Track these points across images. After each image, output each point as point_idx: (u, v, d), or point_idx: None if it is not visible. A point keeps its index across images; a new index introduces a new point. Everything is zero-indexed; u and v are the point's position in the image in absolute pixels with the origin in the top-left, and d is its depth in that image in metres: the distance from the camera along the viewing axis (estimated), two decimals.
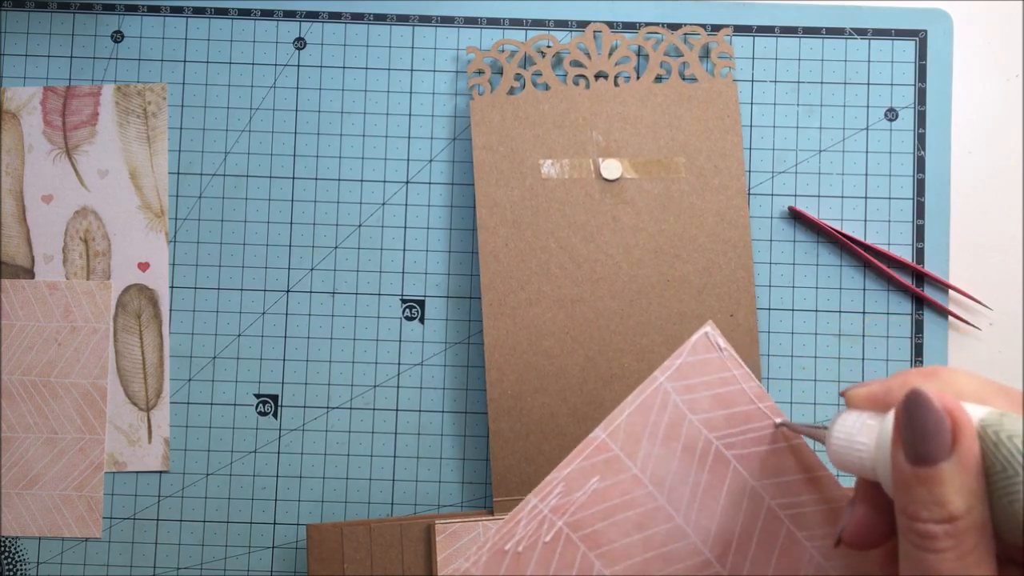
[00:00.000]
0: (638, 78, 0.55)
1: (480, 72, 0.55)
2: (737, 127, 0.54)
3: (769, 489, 0.34)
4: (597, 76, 0.55)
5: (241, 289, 0.55)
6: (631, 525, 0.34)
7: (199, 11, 0.56)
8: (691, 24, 0.56)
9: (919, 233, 0.55)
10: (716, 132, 0.54)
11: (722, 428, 0.34)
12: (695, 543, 0.34)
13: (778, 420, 0.34)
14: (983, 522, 0.24)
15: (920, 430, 0.24)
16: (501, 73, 0.55)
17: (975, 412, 0.25)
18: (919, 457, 0.24)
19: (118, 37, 0.56)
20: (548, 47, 0.55)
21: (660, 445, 0.34)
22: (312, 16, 0.56)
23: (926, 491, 0.24)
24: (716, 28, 0.56)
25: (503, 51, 0.55)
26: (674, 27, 0.56)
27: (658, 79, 0.55)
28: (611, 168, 0.53)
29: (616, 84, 0.55)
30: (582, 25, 0.56)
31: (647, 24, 0.56)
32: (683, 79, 0.55)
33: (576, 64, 0.55)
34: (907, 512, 0.25)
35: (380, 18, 0.56)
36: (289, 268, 0.55)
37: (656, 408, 0.34)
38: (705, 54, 0.56)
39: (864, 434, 0.28)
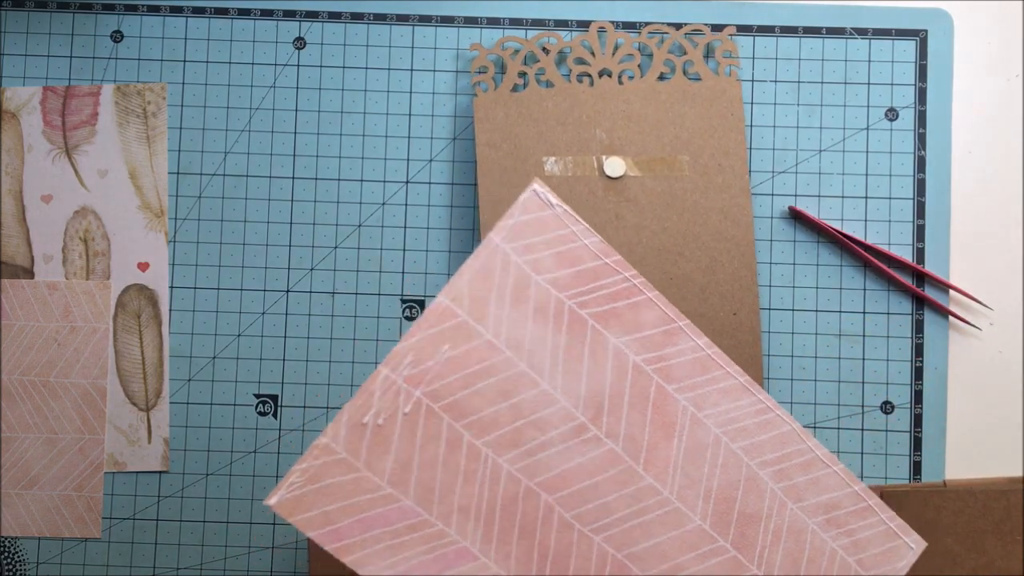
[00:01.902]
0: (642, 76, 0.54)
1: (484, 69, 0.55)
2: (741, 125, 0.53)
3: (631, 345, 0.34)
4: (601, 74, 0.55)
5: (241, 289, 0.55)
6: (495, 393, 0.33)
7: (199, 11, 0.56)
8: (692, 24, 0.55)
9: (919, 233, 0.55)
10: (720, 130, 0.54)
11: (572, 287, 0.33)
12: (566, 407, 0.33)
13: None
14: None
15: None
16: (505, 70, 0.55)
17: None
18: None
19: (118, 37, 0.56)
20: (552, 44, 0.55)
21: (510, 308, 0.33)
22: (312, 16, 0.56)
23: None
24: (717, 28, 0.55)
25: (507, 48, 0.55)
26: (676, 27, 0.55)
27: (662, 77, 0.54)
28: (614, 166, 0.53)
29: (620, 82, 0.54)
30: (582, 25, 0.55)
31: (648, 24, 0.55)
32: (687, 77, 0.55)
33: (580, 62, 0.55)
34: None
35: (380, 18, 0.56)
36: (289, 268, 0.55)
37: (498, 271, 0.33)
38: (709, 52, 0.55)
39: None
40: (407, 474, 0.32)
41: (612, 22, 0.55)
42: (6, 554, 0.54)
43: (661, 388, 0.34)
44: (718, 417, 0.34)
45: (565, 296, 0.33)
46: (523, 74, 0.54)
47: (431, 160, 0.55)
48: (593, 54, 0.54)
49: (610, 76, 0.54)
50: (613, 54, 0.54)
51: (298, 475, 0.31)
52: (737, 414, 0.34)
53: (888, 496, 0.49)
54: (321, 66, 0.55)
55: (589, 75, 0.54)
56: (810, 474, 0.34)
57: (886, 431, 0.54)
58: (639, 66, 0.54)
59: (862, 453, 0.54)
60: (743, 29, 0.55)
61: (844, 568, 0.35)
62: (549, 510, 0.33)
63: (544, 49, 0.54)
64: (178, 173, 0.55)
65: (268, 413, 0.54)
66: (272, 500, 0.30)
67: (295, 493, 0.31)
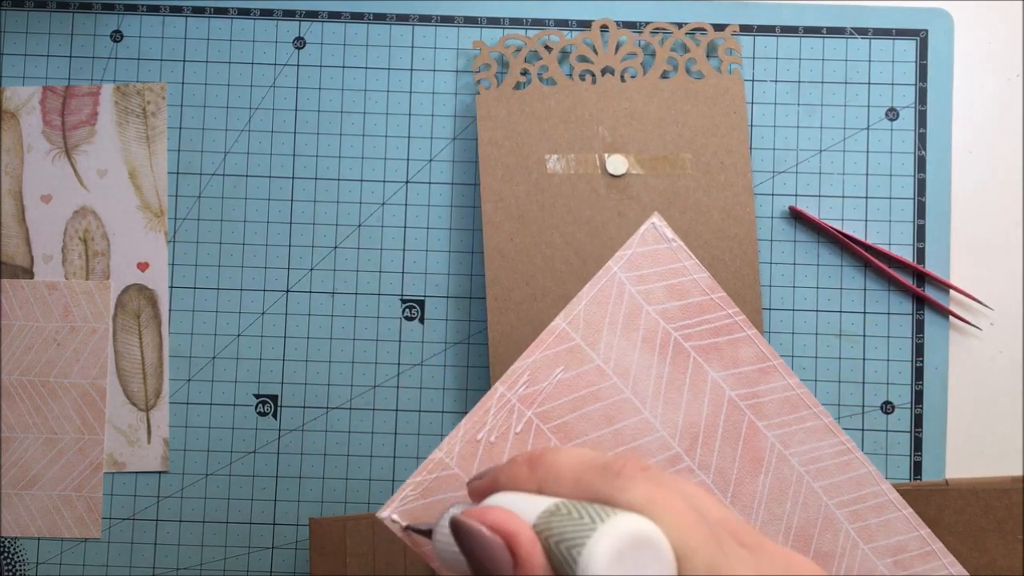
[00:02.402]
0: (644, 74, 0.54)
1: (486, 67, 0.55)
2: (743, 123, 0.53)
3: (728, 380, 0.34)
4: (603, 71, 0.54)
5: (240, 289, 0.55)
6: (600, 417, 0.33)
7: (198, 10, 0.56)
8: (694, 22, 0.55)
9: (920, 233, 0.55)
10: (722, 128, 0.53)
11: (678, 319, 0.34)
12: (664, 436, 0.34)
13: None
14: None
15: (476, 558, 0.23)
16: (507, 68, 0.55)
17: (533, 510, 0.24)
18: None
19: (117, 37, 0.56)
20: (555, 42, 0.55)
21: (620, 335, 0.34)
22: (312, 15, 0.56)
23: None
24: (718, 28, 0.55)
25: (509, 46, 0.54)
26: (678, 26, 0.55)
27: (664, 75, 0.54)
28: (617, 164, 0.53)
29: (622, 80, 0.54)
30: (583, 25, 0.55)
31: (647, 24, 0.55)
32: (689, 75, 0.54)
33: (582, 59, 0.54)
34: None
35: (380, 17, 0.56)
36: (288, 268, 0.55)
37: (613, 298, 0.34)
38: (711, 51, 0.55)
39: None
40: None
41: (615, 22, 0.55)
42: (6, 554, 0.54)
43: (752, 424, 0.34)
44: (802, 456, 0.35)
45: (672, 328, 0.34)
46: (526, 72, 0.54)
47: (431, 160, 0.55)
48: (596, 52, 0.54)
49: (612, 74, 0.54)
50: (615, 52, 0.54)
51: (412, 488, 0.31)
52: (819, 454, 0.35)
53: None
54: (321, 66, 0.55)
55: (592, 73, 0.54)
56: (882, 516, 0.35)
57: (886, 431, 0.53)
58: (642, 64, 0.54)
59: (862, 453, 0.53)
60: (743, 29, 0.55)
61: None
62: None
63: (547, 47, 0.54)
64: (178, 173, 0.55)
65: (268, 413, 0.54)
66: (385, 512, 0.31)
67: (408, 506, 0.31)
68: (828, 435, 0.35)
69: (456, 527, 0.24)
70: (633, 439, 0.34)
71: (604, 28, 0.54)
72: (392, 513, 0.31)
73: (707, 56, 0.54)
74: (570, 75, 0.54)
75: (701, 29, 0.54)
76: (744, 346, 0.34)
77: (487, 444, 0.33)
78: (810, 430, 0.35)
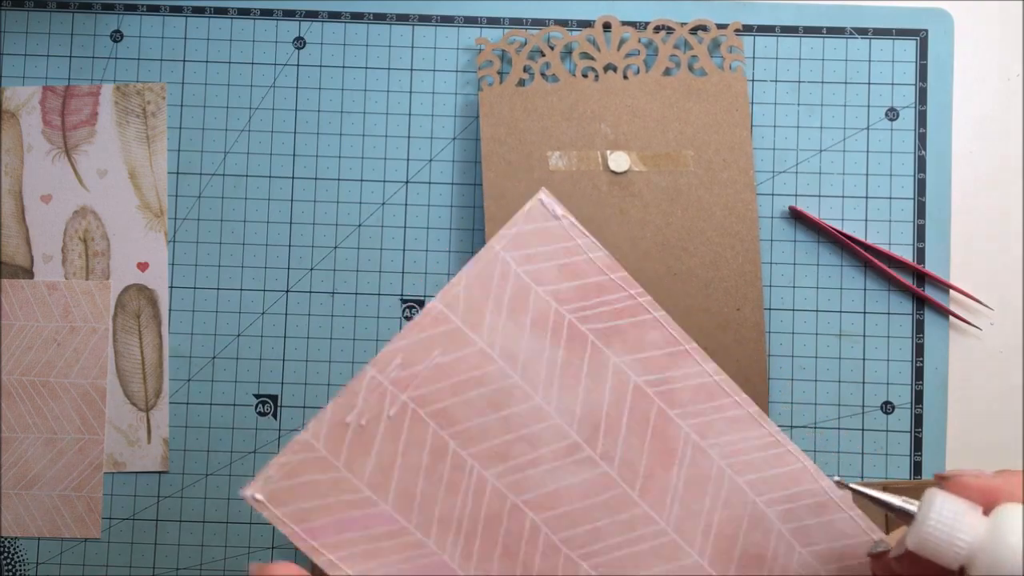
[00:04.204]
0: (647, 71, 0.54)
1: (489, 63, 0.54)
2: (746, 121, 0.53)
3: (633, 366, 0.32)
4: (606, 68, 0.54)
5: (240, 289, 0.54)
6: (485, 403, 0.31)
7: (198, 10, 0.55)
8: (697, 19, 0.55)
9: (920, 233, 0.54)
10: (725, 126, 0.53)
11: (574, 300, 0.31)
12: (560, 424, 0.31)
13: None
14: None
15: None
16: (510, 65, 0.54)
17: None
18: None
19: (117, 37, 0.55)
20: (558, 39, 0.54)
21: (506, 318, 0.31)
22: (312, 15, 0.55)
23: None
24: (720, 26, 0.55)
25: (512, 43, 0.54)
26: (680, 24, 0.55)
27: (667, 72, 0.54)
28: (619, 161, 0.52)
29: (625, 77, 0.54)
30: (583, 25, 0.55)
31: (647, 24, 0.55)
32: (692, 72, 0.54)
33: (585, 56, 0.54)
34: None
35: (380, 17, 0.55)
36: (288, 268, 0.54)
37: (496, 278, 0.31)
38: (714, 48, 0.55)
39: (967, 532, 0.25)
40: (387, 479, 0.30)
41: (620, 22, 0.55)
42: (5, 554, 0.53)
43: (663, 413, 0.32)
44: (723, 448, 0.32)
45: (566, 310, 0.32)
46: (528, 68, 0.54)
47: (431, 160, 0.54)
48: (598, 49, 0.54)
49: (615, 71, 0.54)
50: (618, 49, 0.54)
51: (276, 469, 0.29)
52: (744, 446, 0.32)
53: (890, 491, 0.48)
54: (321, 66, 0.55)
55: (594, 70, 0.54)
56: (823, 517, 0.32)
57: (886, 431, 0.53)
58: (644, 61, 0.54)
59: (862, 453, 0.53)
60: (744, 29, 0.55)
61: None
62: (535, 530, 0.31)
63: (550, 44, 0.54)
64: (178, 173, 0.55)
65: (268, 413, 0.54)
66: (247, 492, 0.29)
67: (271, 487, 0.29)
68: (753, 426, 0.32)
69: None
70: (524, 426, 0.31)
71: (607, 25, 0.54)
72: (255, 492, 0.29)
73: (710, 54, 0.54)
74: (573, 72, 0.54)
75: (704, 27, 0.54)
76: (651, 329, 0.32)
77: (357, 427, 0.30)
78: (731, 419, 0.32)
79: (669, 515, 0.32)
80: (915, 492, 0.49)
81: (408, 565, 0.30)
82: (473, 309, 0.31)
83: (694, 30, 0.54)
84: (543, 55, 0.54)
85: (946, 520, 0.25)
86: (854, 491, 0.29)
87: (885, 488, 0.30)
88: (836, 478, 0.31)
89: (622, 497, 0.32)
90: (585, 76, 0.53)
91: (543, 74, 0.53)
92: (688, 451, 0.32)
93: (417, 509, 0.30)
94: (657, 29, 0.54)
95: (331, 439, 0.30)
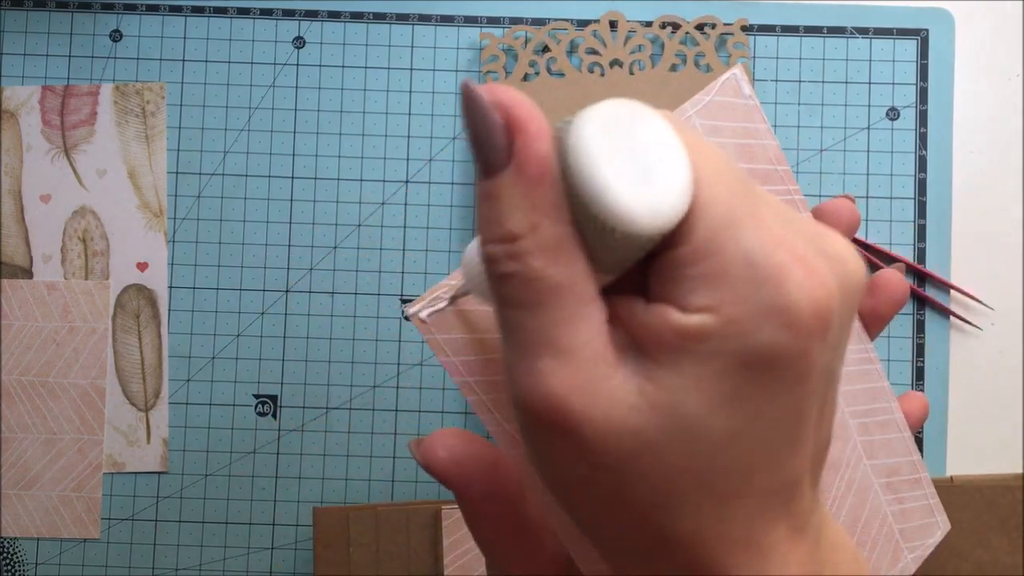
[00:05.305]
0: (653, 67, 0.53)
1: (495, 58, 0.54)
2: None
3: None
4: (612, 64, 0.53)
5: (240, 289, 0.54)
6: None
7: (198, 10, 0.55)
8: (704, 15, 0.54)
9: (921, 233, 0.54)
10: None
11: None
12: None
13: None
14: (558, 241, 0.18)
15: (474, 135, 0.19)
16: (516, 60, 0.54)
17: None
18: (481, 168, 0.19)
19: (116, 36, 0.55)
20: (564, 35, 0.54)
21: None
22: (311, 15, 0.55)
23: (488, 208, 0.19)
24: (725, 25, 0.54)
25: (518, 38, 0.54)
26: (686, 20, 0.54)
27: (673, 68, 0.53)
28: None
29: (631, 73, 0.53)
30: (583, 24, 0.55)
31: (651, 22, 0.55)
32: (698, 69, 0.54)
33: (591, 52, 0.53)
34: (479, 237, 0.19)
35: (379, 17, 0.55)
36: (288, 268, 0.54)
37: None
38: (720, 44, 0.55)
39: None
40: None
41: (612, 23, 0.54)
42: (5, 555, 0.53)
43: None
44: None
45: None
46: (534, 64, 0.53)
47: (431, 159, 0.54)
48: (604, 45, 0.54)
49: (621, 66, 0.53)
50: (624, 44, 0.54)
51: (445, 290, 0.27)
52: (847, 357, 0.31)
53: None
54: (320, 65, 0.55)
55: (600, 65, 0.53)
56: (886, 435, 0.32)
57: None
58: (650, 57, 0.53)
59: None
60: (744, 29, 0.54)
61: (890, 536, 0.33)
62: None
63: (555, 39, 0.54)
64: (177, 173, 0.54)
65: (267, 414, 0.53)
66: (412, 309, 0.26)
67: (437, 307, 0.27)
68: (856, 340, 0.31)
69: (463, 91, 0.19)
70: None
71: (613, 21, 0.54)
72: (420, 311, 0.27)
73: (716, 50, 0.54)
74: (579, 68, 0.54)
75: (711, 23, 0.54)
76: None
77: None
78: None
79: None
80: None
81: None
82: None
83: (700, 26, 0.53)
84: (548, 50, 0.53)
85: (472, 250, 0.23)
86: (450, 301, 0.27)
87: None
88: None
89: None
90: (591, 72, 0.53)
91: (548, 69, 0.53)
92: None
93: None
94: (663, 25, 0.53)
95: None
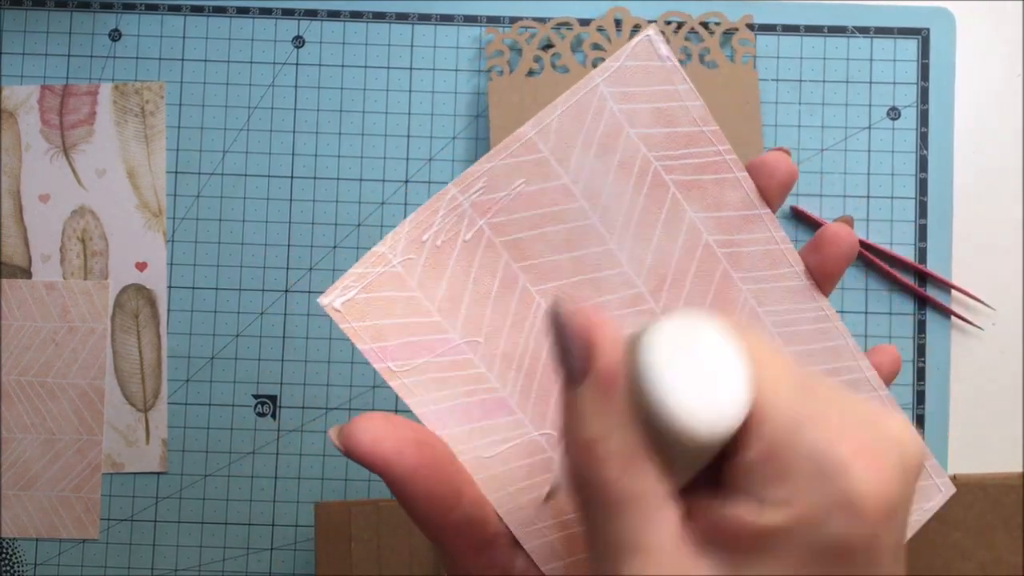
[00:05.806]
0: None
1: (499, 53, 0.54)
2: (757, 114, 0.52)
3: (707, 223, 0.30)
4: None
5: (239, 289, 0.54)
6: (560, 240, 0.30)
7: (197, 9, 0.55)
8: (709, 11, 0.54)
9: (921, 232, 0.54)
10: (736, 119, 0.52)
11: (662, 147, 0.30)
12: (627, 273, 0.30)
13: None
14: (631, 450, 0.20)
15: (560, 352, 0.22)
16: (520, 56, 0.54)
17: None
18: (565, 381, 0.22)
19: (116, 36, 0.55)
20: (568, 30, 0.54)
21: (594, 156, 0.30)
22: (311, 14, 0.55)
23: (568, 416, 0.21)
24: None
25: (522, 33, 0.53)
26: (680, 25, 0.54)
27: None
28: None
29: None
30: (583, 24, 0.55)
31: (651, 21, 0.54)
32: (703, 64, 0.54)
33: (596, 47, 0.53)
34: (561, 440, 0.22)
35: (379, 16, 0.55)
36: (287, 268, 0.54)
37: (592, 113, 0.30)
38: (725, 41, 0.54)
39: None
40: (457, 306, 0.29)
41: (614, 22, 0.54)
42: (4, 555, 0.53)
43: (727, 274, 0.30)
44: (777, 316, 0.31)
45: (654, 156, 0.30)
46: (539, 59, 0.53)
47: (431, 159, 0.54)
48: (609, 40, 0.53)
49: None
50: (629, 40, 0.53)
51: (354, 279, 0.27)
52: (796, 317, 0.31)
53: None
54: (320, 65, 0.54)
55: (605, 60, 0.53)
56: (859, 394, 0.31)
57: None
58: None
59: None
60: (748, 26, 0.54)
61: None
62: None
63: (560, 34, 0.53)
64: (176, 172, 0.54)
65: (267, 414, 0.53)
66: (325, 299, 0.27)
67: (349, 296, 0.27)
68: (808, 299, 0.31)
69: (551, 314, 0.22)
70: (594, 270, 0.30)
71: (618, 17, 0.53)
72: (334, 300, 0.27)
73: (721, 46, 0.54)
74: (583, 63, 0.53)
75: (715, 19, 0.53)
76: (731, 189, 0.30)
77: (433, 247, 0.29)
78: (788, 290, 0.31)
79: None
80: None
81: (471, 399, 0.29)
82: (563, 142, 0.30)
83: (704, 23, 0.53)
84: (553, 46, 0.53)
85: None
86: None
87: None
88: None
89: None
90: (595, 67, 0.53)
91: (553, 65, 0.53)
92: (744, 316, 0.31)
93: (483, 341, 0.29)
94: (668, 21, 0.53)
95: (407, 255, 0.28)
